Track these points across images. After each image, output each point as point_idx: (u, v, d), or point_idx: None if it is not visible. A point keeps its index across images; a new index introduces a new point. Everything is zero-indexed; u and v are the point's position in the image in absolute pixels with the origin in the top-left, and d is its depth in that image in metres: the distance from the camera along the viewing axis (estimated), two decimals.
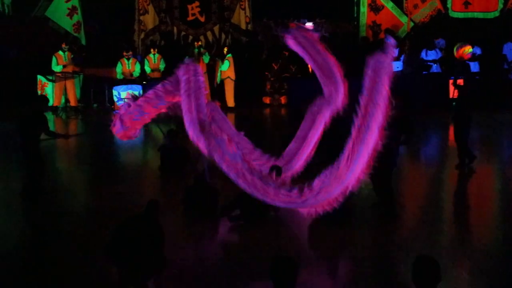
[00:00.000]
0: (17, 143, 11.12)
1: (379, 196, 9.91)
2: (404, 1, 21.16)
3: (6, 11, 21.18)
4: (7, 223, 10.01)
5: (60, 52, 19.08)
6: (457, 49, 16.93)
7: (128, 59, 19.48)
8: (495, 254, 8.39)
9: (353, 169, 8.43)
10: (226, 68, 19.59)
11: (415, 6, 21.00)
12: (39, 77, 19.43)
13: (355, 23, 21.74)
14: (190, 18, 21.92)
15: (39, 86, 19.46)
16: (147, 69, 19.89)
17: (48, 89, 19.38)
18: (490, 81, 19.13)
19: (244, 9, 21.85)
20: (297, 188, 8.69)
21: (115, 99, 19.18)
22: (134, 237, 7.11)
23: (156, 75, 20.02)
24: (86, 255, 8.44)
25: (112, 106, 19.25)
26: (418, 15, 21.03)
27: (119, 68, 19.45)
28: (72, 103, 19.36)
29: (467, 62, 19.33)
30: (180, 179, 11.68)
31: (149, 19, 21.70)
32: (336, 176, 8.51)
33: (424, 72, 19.64)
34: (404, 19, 20.96)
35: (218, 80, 20.02)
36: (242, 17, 21.91)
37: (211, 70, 20.43)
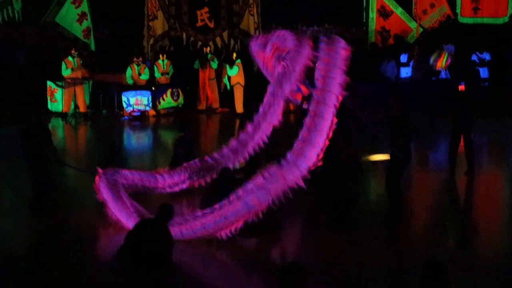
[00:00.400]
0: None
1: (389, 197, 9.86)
2: (413, 7, 21.14)
3: (16, 17, 21.25)
4: (14, 228, 10.05)
5: (70, 58, 19.15)
6: (435, 62, 16.91)
7: (138, 64, 19.55)
8: (504, 260, 8.37)
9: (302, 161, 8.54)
10: (235, 74, 19.60)
11: (424, 12, 20.98)
12: (49, 83, 19.49)
13: (364, 28, 21.73)
14: (199, 23, 21.96)
15: (48, 92, 19.53)
16: (157, 75, 19.95)
17: (57, 94, 19.43)
18: (499, 87, 19.09)
19: (253, 15, 21.87)
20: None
21: (124, 105, 19.22)
22: (144, 243, 7.14)
23: (165, 80, 20.06)
24: (93, 260, 8.46)
25: (121, 112, 19.30)
26: (427, 21, 21.00)
27: (128, 73, 19.51)
28: (81, 109, 19.40)
29: (476, 68, 19.34)
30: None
31: (158, 25, 21.74)
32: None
33: (433, 78, 19.61)
34: (413, 25, 20.94)
35: (227, 85, 20.03)
36: (251, 22, 21.93)
37: (219, 76, 20.46)
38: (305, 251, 9.01)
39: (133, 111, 19.22)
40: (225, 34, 22.00)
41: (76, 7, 20.64)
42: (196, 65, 20.15)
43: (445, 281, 5.29)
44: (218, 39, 22.00)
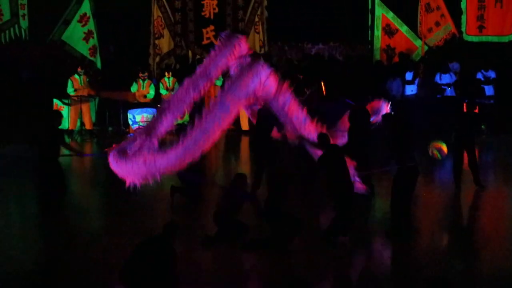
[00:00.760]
0: (34, 163, 11.23)
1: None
2: (419, 25, 21.19)
3: (23, 35, 21.38)
4: (22, 243, 10.07)
5: (76, 76, 19.26)
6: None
7: (143, 80, 19.64)
8: (511, 278, 8.34)
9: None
10: None
11: (430, 30, 21.01)
12: (55, 100, 19.58)
13: (370, 46, 21.78)
14: (205, 42, 22.05)
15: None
16: (162, 91, 20.01)
17: (63, 112, 19.47)
18: (505, 105, 19.09)
19: (258, 32, 21.97)
20: None
21: (130, 122, 19.28)
22: (147, 262, 7.15)
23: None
24: (99, 276, 8.47)
25: (127, 129, 19.35)
26: (432, 39, 21.03)
27: (134, 89, 19.61)
28: (87, 126, 19.47)
29: (481, 86, 19.36)
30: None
31: (164, 43, 21.85)
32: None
33: (438, 96, 19.64)
34: (418, 43, 20.98)
35: None
36: (256, 40, 22.02)
37: None
38: (306, 267, 9.00)
39: (139, 128, 19.25)
40: None
41: (83, 26, 20.75)
42: None
43: None
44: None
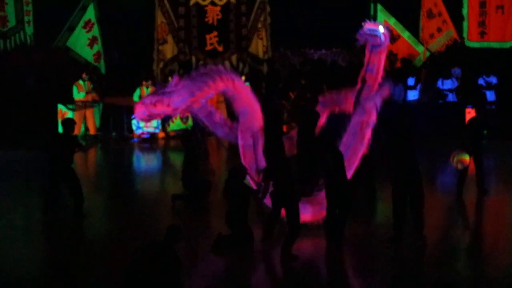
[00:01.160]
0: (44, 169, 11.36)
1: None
2: (420, 31, 21.27)
3: (28, 41, 21.50)
4: (26, 248, 10.15)
5: (81, 82, 19.37)
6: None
7: (147, 87, 19.73)
8: None
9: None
10: None
11: (431, 36, 21.10)
12: (60, 106, 19.70)
13: None
14: (209, 47, 22.17)
15: (59, 115, 19.71)
16: None
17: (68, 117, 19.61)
18: (506, 110, 19.16)
19: (261, 38, 22.08)
20: None
21: (134, 127, 19.39)
22: (151, 267, 7.20)
23: None
24: (103, 280, 8.54)
25: (131, 135, 19.46)
26: (434, 45, 21.11)
27: (136, 96, 19.70)
28: (92, 131, 19.58)
29: (483, 91, 19.43)
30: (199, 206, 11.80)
31: (168, 49, 21.97)
32: None
33: (440, 101, 19.71)
34: (420, 49, 21.06)
35: None
36: (259, 46, 22.13)
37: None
38: (308, 270, 9.06)
39: (143, 133, 19.38)
40: (234, 58, 22.19)
41: (87, 32, 20.88)
42: None
43: None
44: (227, 63, 22.18)
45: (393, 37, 21.33)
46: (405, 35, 21.20)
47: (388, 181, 10.21)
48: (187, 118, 20.14)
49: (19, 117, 19.91)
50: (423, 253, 9.62)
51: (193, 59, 22.10)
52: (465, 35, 21.32)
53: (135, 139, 19.36)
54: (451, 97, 19.71)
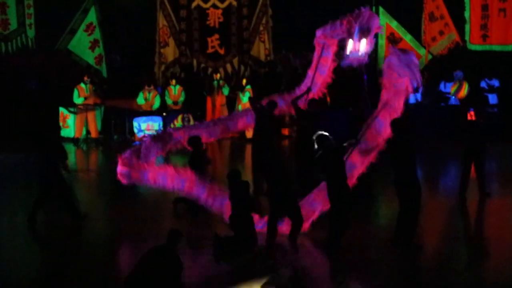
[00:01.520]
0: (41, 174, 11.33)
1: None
2: (422, 34, 21.26)
3: (30, 44, 21.52)
4: (27, 252, 10.13)
5: (82, 85, 19.38)
6: (456, 93, 17.04)
7: (149, 92, 19.76)
8: None
9: None
10: (247, 101, 19.77)
11: (433, 39, 21.08)
12: (61, 109, 19.71)
13: (374, 55, 21.83)
14: (210, 50, 22.18)
15: (61, 118, 19.72)
16: (168, 101, 20.12)
17: (69, 120, 19.64)
18: (508, 113, 19.14)
19: (263, 41, 22.09)
20: None
21: (136, 130, 19.39)
22: (152, 271, 7.19)
23: (176, 107, 20.21)
24: (104, 285, 8.52)
25: (133, 138, 19.46)
26: (436, 48, 21.09)
27: (140, 100, 19.72)
28: (93, 134, 19.57)
29: (485, 94, 19.41)
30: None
31: (170, 52, 21.98)
32: None
33: (442, 104, 19.70)
34: (422, 52, 21.03)
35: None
36: (261, 49, 22.13)
37: (231, 102, 20.61)
38: (310, 274, 9.04)
39: (144, 136, 19.34)
40: (235, 61, 22.20)
41: (89, 35, 20.88)
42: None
43: None
44: (228, 66, 22.20)
45: (395, 40, 21.34)
46: (407, 38, 21.18)
47: (388, 184, 10.20)
48: (188, 121, 20.14)
49: (21, 120, 19.94)
50: (424, 255, 9.59)
51: (195, 62, 22.12)
52: (467, 38, 21.29)
53: (137, 142, 19.32)
54: (453, 100, 19.70)
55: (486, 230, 11.42)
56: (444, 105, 19.69)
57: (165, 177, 10.81)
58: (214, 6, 22.03)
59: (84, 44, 20.81)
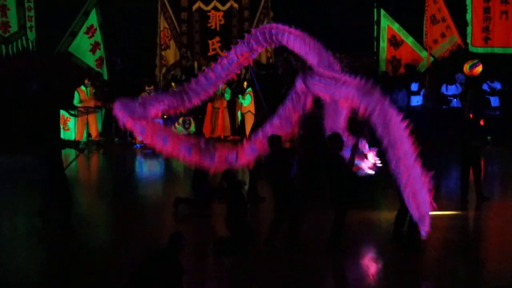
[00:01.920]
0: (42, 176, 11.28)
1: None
2: (424, 36, 21.22)
3: (30, 46, 21.50)
4: (27, 254, 10.10)
5: (83, 87, 19.35)
6: (471, 68, 16.96)
7: (149, 93, 19.70)
8: None
9: None
10: (248, 104, 19.76)
11: (435, 41, 21.04)
12: (62, 111, 19.69)
13: (375, 57, 21.81)
14: (211, 53, 22.13)
15: (61, 121, 19.70)
16: None
17: (70, 123, 19.62)
18: (510, 116, 19.10)
19: None
20: None
21: None
22: (154, 275, 7.17)
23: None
24: (108, 287, 8.49)
25: (133, 140, 19.42)
26: (438, 50, 21.05)
27: None
28: (94, 137, 19.54)
29: (486, 96, 19.38)
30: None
31: (171, 54, 21.94)
32: None
33: (444, 107, 19.67)
34: (424, 54, 21.00)
35: (239, 119, 20.23)
36: (262, 52, 22.06)
37: (232, 106, 20.58)
38: (312, 277, 9.00)
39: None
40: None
41: (90, 37, 20.87)
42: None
43: None
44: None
45: (397, 43, 21.31)
46: (409, 40, 21.15)
47: (390, 188, 10.18)
48: (189, 123, 20.12)
49: (21, 122, 19.91)
50: (425, 258, 9.55)
51: (196, 64, 22.07)
52: (469, 40, 21.25)
53: (138, 145, 19.31)
54: (455, 103, 19.66)
55: (487, 232, 11.39)
56: (446, 107, 19.64)
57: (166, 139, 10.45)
58: (215, 8, 22.00)
59: (85, 46, 20.79)
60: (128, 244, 10.29)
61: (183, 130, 20.02)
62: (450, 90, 19.74)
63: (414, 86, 19.81)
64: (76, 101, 19.32)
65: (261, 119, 12.65)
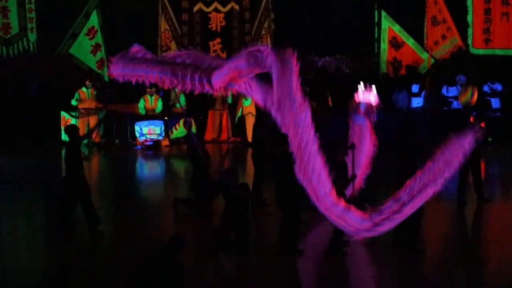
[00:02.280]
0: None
1: None
2: (425, 38, 21.22)
3: (31, 48, 21.52)
4: (29, 257, 10.10)
5: (84, 89, 19.36)
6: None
7: (151, 95, 19.72)
8: None
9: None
10: (249, 104, 19.76)
11: (436, 43, 21.04)
12: (63, 113, 19.69)
13: (376, 59, 21.81)
14: (212, 54, 22.10)
15: (62, 122, 19.70)
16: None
17: None
18: (511, 117, 19.10)
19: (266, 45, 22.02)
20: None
21: (137, 134, 19.36)
22: (154, 275, 7.16)
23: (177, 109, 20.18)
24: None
25: (134, 142, 19.44)
26: (438, 52, 21.05)
27: (141, 104, 19.69)
28: (95, 138, 19.53)
29: (487, 98, 19.37)
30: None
31: None
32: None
33: (444, 108, 19.66)
34: (424, 56, 21.00)
35: (239, 114, 20.19)
36: None
37: (233, 107, 20.56)
38: (313, 277, 8.99)
39: (146, 140, 19.34)
40: None
41: (90, 39, 20.88)
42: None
43: None
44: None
45: (398, 44, 21.32)
46: (410, 42, 21.15)
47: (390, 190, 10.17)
48: (190, 125, 20.08)
49: (22, 124, 19.92)
50: (425, 259, 9.55)
51: None
52: (470, 42, 21.24)
53: (138, 146, 19.33)
54: (456, 104, 19.65)
55: (487, 233, 11.38)
56: (446, 109, 19.63)
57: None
58: (216, 10, 22.00)
59: (86, 48, 20.81)
60: (128, 244, 10.29)
61: (184, 131, 19.99)
62: (451, 91, 19.74)
63: (414, 88, 19.82)
64: (74, 101, 19.32)
65: (266, 135, 12.58)
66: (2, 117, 19.92)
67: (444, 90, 19.85)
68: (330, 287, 8.86)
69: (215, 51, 22.06)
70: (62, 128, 19.64)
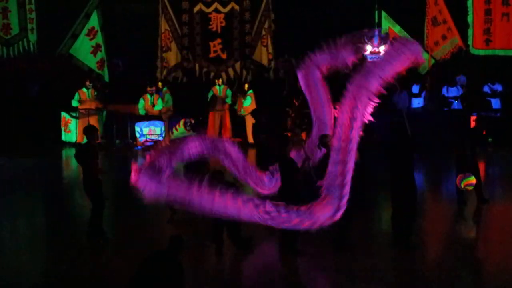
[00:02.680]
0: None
1: None
2: (425, 38, 21.22)
3: (32, 49, 21.54)
4: (29, 256, 10.11)
5: (84, 89, 19.37)
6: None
7: (151, 94, 19.73)
8: None
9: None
10: (249, 104, 19.76)
11: (436, 43, 21.04)
12: (63, 113, 19.71)
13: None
14: (212, 55, 22.14)
15: (62, 123, 19.71)
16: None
17: (71, 125, 19.63)
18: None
19: (266, 46, 22.02)
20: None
21: (137, 135, 19.36)
22: (154, 277, 7.17)
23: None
24: None
25: (135, 142, 19.45)
26: (439, 52, 21.05)
27: (141, 104, 19.69)
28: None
29: (487, 98, 19.38)
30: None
31: (172, 56, 21.95)
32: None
33: (445, 109, 19.66)
34: (425, 56, 20.96)
35: (240, 112, 20.24)
36: (264, 54, 22.08)
37: (233, 108, 20.57)
38: (312, 276, 8.99)
39: (146, 141, 19.35)
40: (237, 65, 22.15)
41: (91, 39, 20.90)
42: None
43: None
44: (230, 70, 22.16)
45: None
46: None
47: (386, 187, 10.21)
48: (190, 126, 20.08)
49: (22, 124, 19.93)
50: (425, 259, 9.55)
51: (197, 66, 22.08)
52: (470, 42, 21.25)
53: (139, 147, 19.34)
54: (456, 105, 19.66)
55: (487, 234, 11.38)
56: (447, 109, 19.63)
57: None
58: (217, 10, 22.00)
59: (86, 48, 20.83)
60: (128, 247, 10.28)
61: (184, 132, 19.99)
62: (451, 92, 19.75)
63: (415, 88, 19.83)
64: (75, 101, 19.32)
65: (265, 139, 12.62)
66: (2, 117, 19.94)
67: (444, 91, 19.86)
68: (329, 286, 8.86)
69: (215, 51, 22.07)
70: (62, 128, 19.69)
